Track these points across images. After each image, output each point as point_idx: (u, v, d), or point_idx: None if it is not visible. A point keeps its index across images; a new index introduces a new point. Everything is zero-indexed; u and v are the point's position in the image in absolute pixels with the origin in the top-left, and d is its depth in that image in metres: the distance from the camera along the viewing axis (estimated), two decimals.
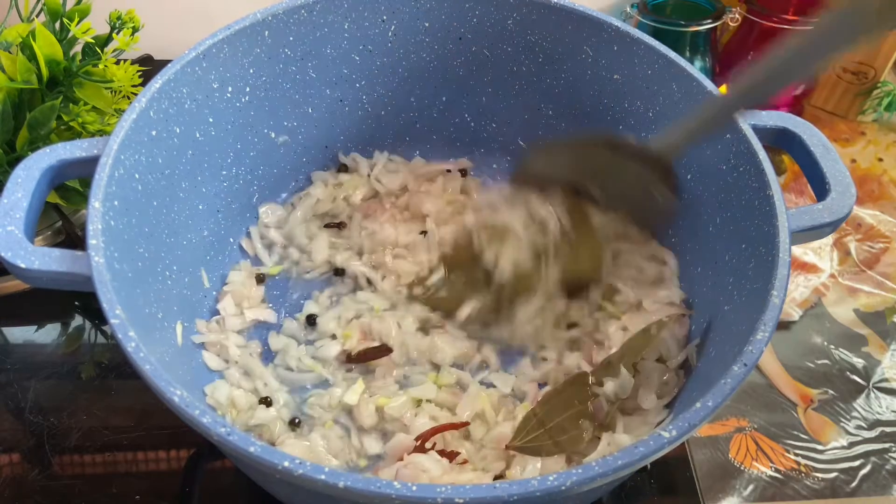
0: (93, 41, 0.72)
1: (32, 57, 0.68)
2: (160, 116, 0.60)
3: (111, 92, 0.73)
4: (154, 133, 0.60)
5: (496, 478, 0.58)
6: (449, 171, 0.82)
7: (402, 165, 0.82)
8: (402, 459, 0.58)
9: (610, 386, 0.60)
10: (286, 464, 0.40)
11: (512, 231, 0.65)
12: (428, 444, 0.59)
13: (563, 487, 0.40)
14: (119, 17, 0.71)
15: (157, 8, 0.89)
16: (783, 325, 0.78)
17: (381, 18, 0.72)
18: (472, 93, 0.79)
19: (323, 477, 0.39)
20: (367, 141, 0.81)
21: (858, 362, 0.75)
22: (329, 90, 0.75)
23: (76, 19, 0.70)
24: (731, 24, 0.95)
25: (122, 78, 0.72)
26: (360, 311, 0.71)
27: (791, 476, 0.66)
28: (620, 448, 0.45)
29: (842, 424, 0.70)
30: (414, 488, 0.39)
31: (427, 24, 0.73)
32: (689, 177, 0.66)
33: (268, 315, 0.71)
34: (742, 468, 0.67)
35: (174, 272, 0.64)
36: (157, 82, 0.59)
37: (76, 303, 0.77)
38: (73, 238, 0.75)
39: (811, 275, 0.83)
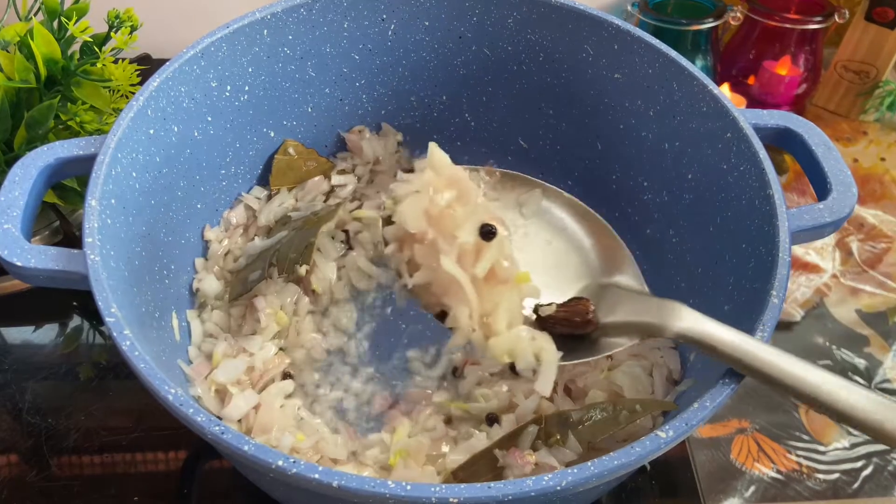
0: (91, 40, 0.71)
1: (30, 56, 0.67)
2: (158, 115, 0.60)
3: (109, 91, 0.73)
4: (152, 132, 0.59)
5: None
6: None
7: None
8: None
9: (544, 454, 0.54)
10: (280, 462, 0.40)
11: None
12: None
13: (559, 487, 0.39)
14: (117, 16, 0.71)
15: (155, 7, 0.89)
16: (785, 326, 0.77)
17: (380, 17, 0.72)
18: (473, 92, 0.78)
19: (316, 476, 0.39)
20: None
21: (860, 363, 0.74)
22: (329, 89, 0.75)
23: (74, 18, 0.70)
24: (732, 22, 0.94)
25: (120, 77, 0.71)
26: None
27: (793, 477, 0.66)
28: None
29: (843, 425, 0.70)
30: (408, 487, 0.38)
31: (427, 23, 0.73)
32: (689, 176, 0.66)
33: None
34: (743, 469, 0.66)
35: (171, 271, 0.64)
36: (155, 81, 0.59)
37: (74, 303, 0.77)
38: (70, 238, 0.75)
39: (813, 275, 0.82)
